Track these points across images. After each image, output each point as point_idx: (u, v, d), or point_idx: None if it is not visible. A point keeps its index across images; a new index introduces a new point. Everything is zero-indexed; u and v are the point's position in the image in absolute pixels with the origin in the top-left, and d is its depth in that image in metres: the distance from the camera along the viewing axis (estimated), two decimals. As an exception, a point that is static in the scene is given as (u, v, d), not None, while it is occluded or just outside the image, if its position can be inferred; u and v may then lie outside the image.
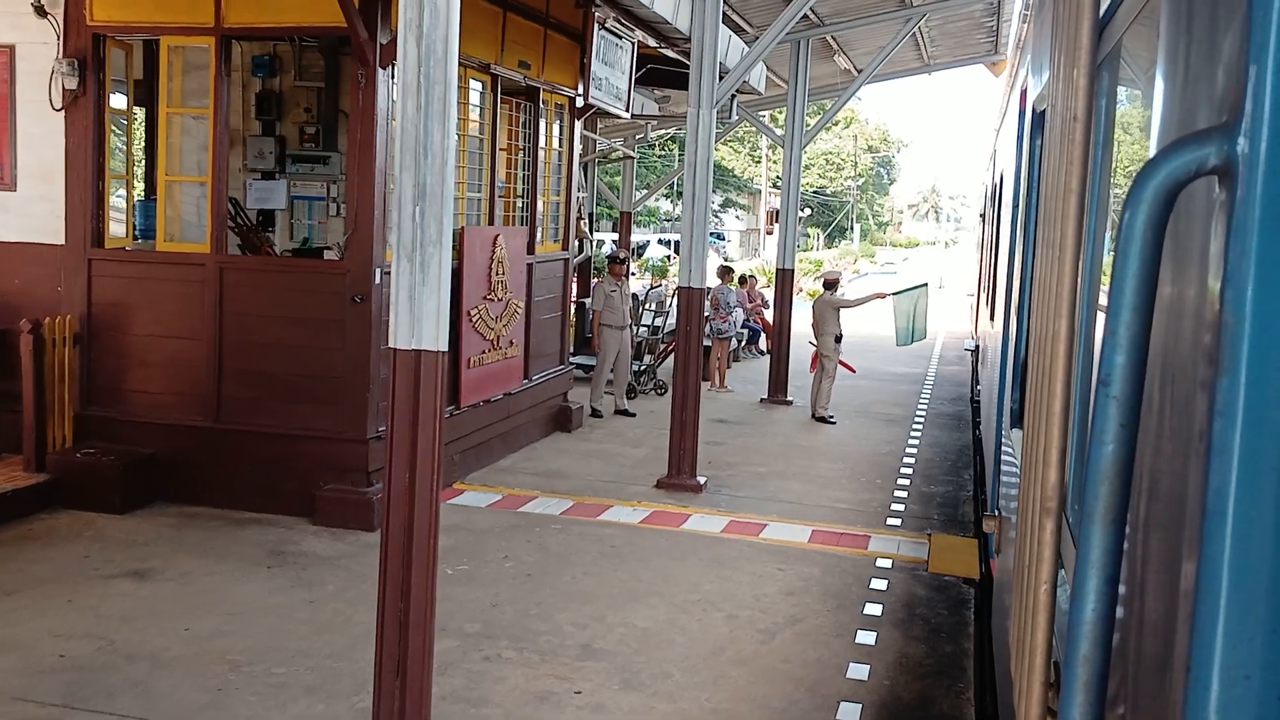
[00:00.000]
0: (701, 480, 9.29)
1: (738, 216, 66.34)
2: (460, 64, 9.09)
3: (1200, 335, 1.01)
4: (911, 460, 11.00)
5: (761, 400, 14.10)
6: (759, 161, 64.62)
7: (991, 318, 7.95)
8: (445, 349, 4.58)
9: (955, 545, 8.09)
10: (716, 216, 65.23)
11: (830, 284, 13.32)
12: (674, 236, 48.14)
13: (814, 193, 75.78)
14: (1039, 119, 3.69)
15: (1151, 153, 1.31)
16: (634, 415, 12.39)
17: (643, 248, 39.12)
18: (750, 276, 19.79)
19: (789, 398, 13.99)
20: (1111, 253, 1.18)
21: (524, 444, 10.52)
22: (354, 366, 7.73)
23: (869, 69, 13.73)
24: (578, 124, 11.23)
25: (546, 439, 10.99)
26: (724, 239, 59.00)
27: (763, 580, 7.07)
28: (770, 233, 64.91)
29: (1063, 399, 1.57)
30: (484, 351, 9.35)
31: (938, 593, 7.05)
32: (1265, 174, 0.88)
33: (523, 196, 10.35)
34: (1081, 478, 1.32)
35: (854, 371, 13.78)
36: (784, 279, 14.12)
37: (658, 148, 42.25)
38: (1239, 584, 0.90)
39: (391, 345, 4.55)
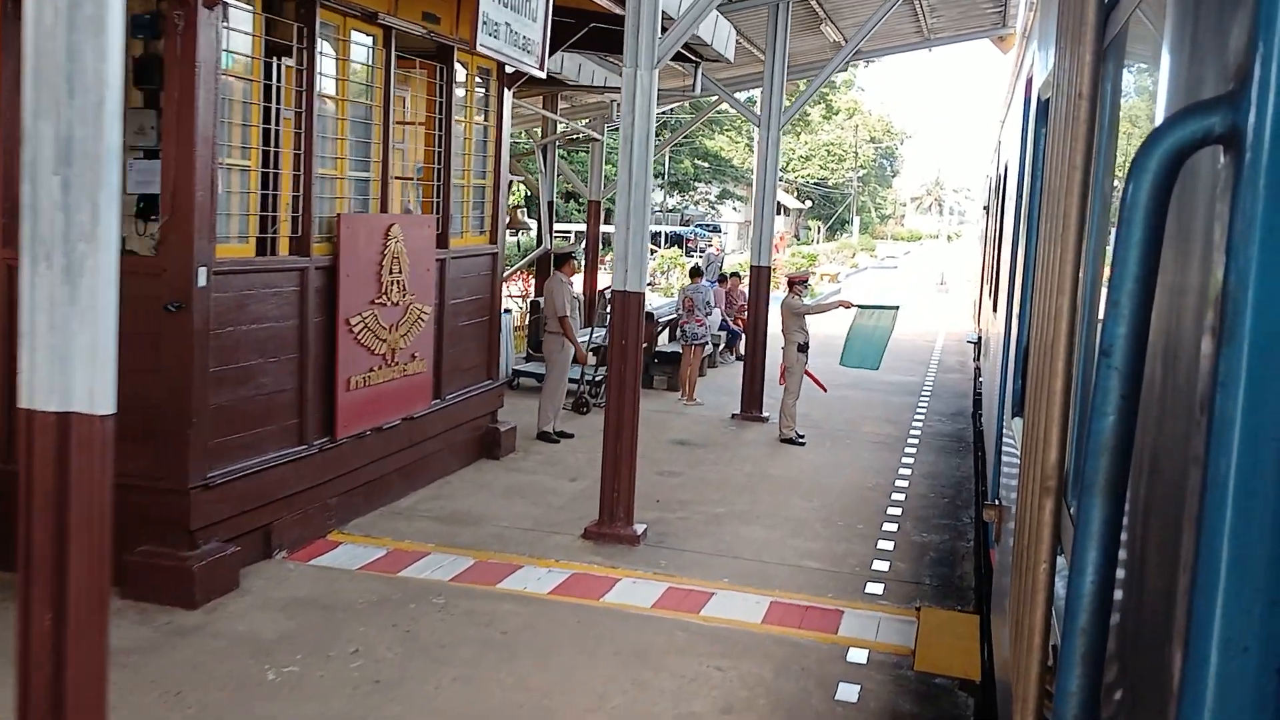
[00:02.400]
0: (639, 529, 7.53)
1: (735, 208, 64.47)
2: (337, 11, 7.37)
3: (1203, 306, 1.00)
4: (901, 497, 9.24)
5: (733, 416, 12.33)
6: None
7: (994, 309, 7.73)
8: (112, 410, 2.81)
9: (951, 626, 6.34)
10: (713, 208, 63.45)
11: (794, 284, 11.47)
12: (660, 228, 46.23)
13: (815, 184, 73.92)
14: (1044, 107, 3.53)
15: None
16: (571, 436, 10.59)
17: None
18: (733, 275, 17.98)
19: (764, 413, 12.21)
20: (1113, 231, 1.18)
21: (436, 476, 8.75)
22: (172, 393, 5.96)
23: (857, 38, 11.91)
24: (508, 93, 9.43)
25: (467, 469, 9.22)
26: (720, 231, 57.12)
27: (693, 688, 5.30)
28: (769, 225, 62.90)
29: (1064, 378, 1.55)
30: (372, 369, 7.58)
31: (926, 705, 5.29)
32: (1271, 143, 0.88)
33: (437, 179, 8.57)
34: (1080, 461, 1.38)
35: (825, 391, 11.89)
36: (759, 277, 12.33)
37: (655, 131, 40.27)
38: (1238, 556, 0.89)
39: (24, 405, 2.78)
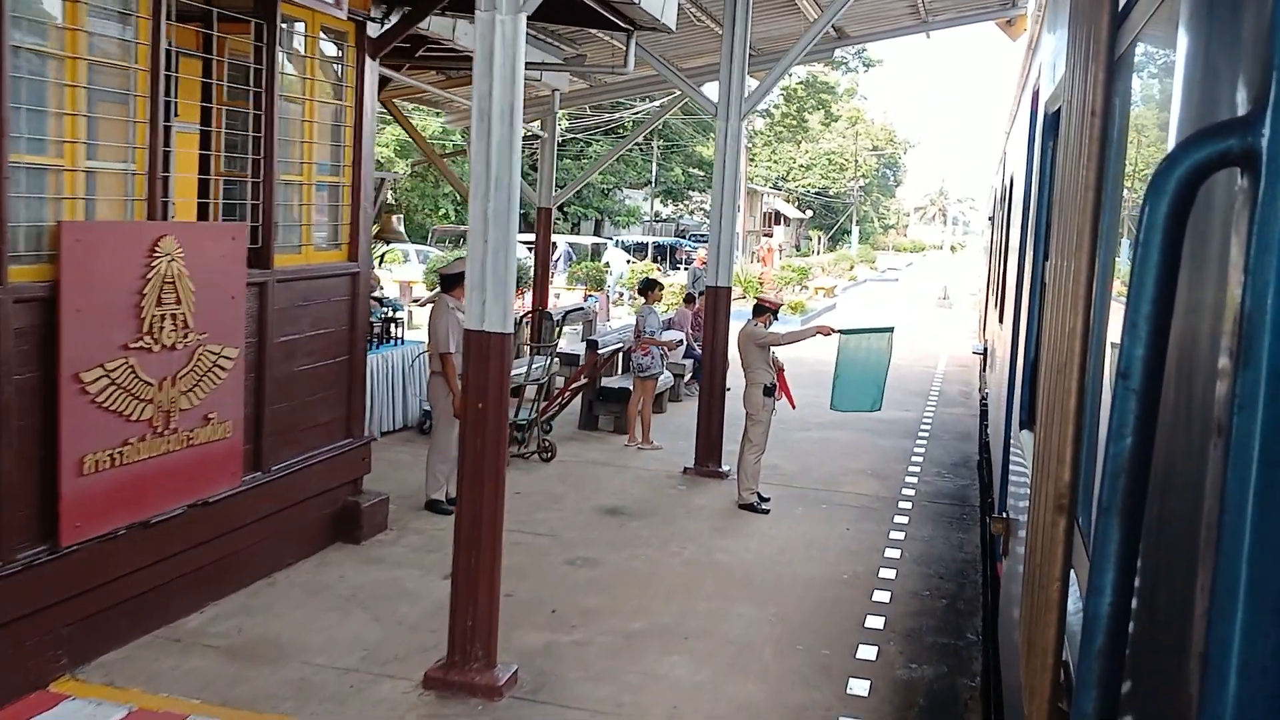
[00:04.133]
0: (505, 673, 5.27)
1: (731, 218, 62.14)
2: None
3: (1220, 328, 0.99)
4: (885, 598, 6.97)
5: (685, 470, 10.06)
6: (754, 159, 60.66)
7: (1000, 320, 7.52)
8: None
9: None
10: (708, 217, 61.11)
11: (759, 310, 9.14)
12: (650, 239, 43.92)
13: (816, 194, 71.60)
14: (1052, 120, 3.39)
15: (1171, 147, 1.21)
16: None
17: (600, 249, 34.54)
18: (701, 294, 15.73)
19: (722, 466, 9.96)
20: (1127, 247, 1.22)
21: (257, 576, 6.50)
22: None
23: (833, 8, 9.65)
24: (372, 63, 7.20)
25: (308, 561, 6.96)
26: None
27: None
28: (769, 234, 60.51)
29: (1077, 396, 1.54)
30: (129, 440, 5.35)
31: None
32: None
33: (253, 175, 6.35)
34: (1091, 479, 1.50)
35: (794, 408, 9.61)
36: (717, 301, 10.10)
37: (646, 137, 37.71)
38: (1257, 577, 0.88)
39: None
